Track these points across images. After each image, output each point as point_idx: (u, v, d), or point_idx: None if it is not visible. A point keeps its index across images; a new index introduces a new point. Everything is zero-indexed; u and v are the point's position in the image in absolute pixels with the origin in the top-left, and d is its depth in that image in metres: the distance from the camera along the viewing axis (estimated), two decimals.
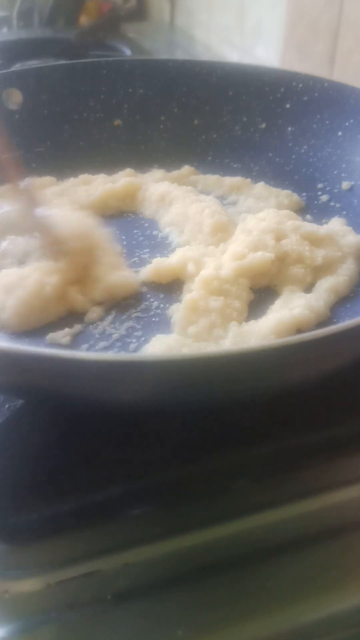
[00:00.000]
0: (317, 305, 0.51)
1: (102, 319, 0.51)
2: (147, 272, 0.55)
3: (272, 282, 0.54)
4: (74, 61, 0.77)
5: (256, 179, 0.70)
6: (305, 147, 0.72)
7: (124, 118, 0.76)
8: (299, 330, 0.49)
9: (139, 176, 0.70)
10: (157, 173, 0.71)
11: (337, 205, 0.66)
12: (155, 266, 0.55)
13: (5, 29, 1.36)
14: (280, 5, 0.99)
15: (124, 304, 0.52)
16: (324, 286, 0.54)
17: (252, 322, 0.50)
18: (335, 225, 0.62)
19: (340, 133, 0.69)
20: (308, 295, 0.53)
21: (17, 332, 0.49)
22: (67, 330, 0.49)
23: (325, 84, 0.70)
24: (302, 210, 0.66)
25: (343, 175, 0.68)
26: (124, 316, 0.51)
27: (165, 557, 0.36)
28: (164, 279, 0.55)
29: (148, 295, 0.53)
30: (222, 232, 0.58)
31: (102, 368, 0.32)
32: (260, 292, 0.53)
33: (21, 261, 0.54)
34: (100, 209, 0.65)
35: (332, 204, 0.67)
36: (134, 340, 0.48)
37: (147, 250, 0.59)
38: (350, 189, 0.67)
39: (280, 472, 0.42)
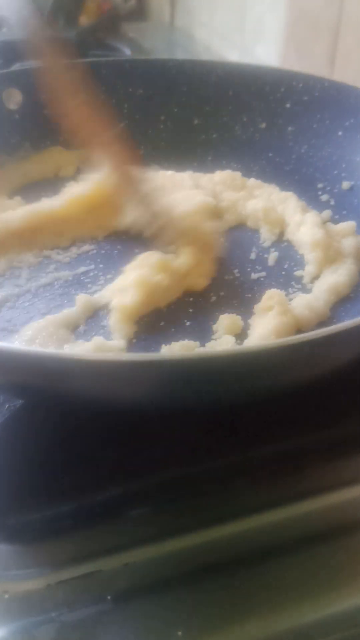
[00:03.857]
0: (317, 305, 0.51)
1: None
2: None
3: None
4: (74, 61, 0.77)
5: (256, 179, 0.71)
6: (306, 146, 0.72)
7: (124, 118, 0.76)
8: (299, 330, 0.49)
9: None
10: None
11: (337, 205, 0.66)
12: None
13: (5, 29, 1.36)
14: (280, 5, 0.99)
15: None
16: (324, 286, 0.54)
17: (252, 323, 0.50)
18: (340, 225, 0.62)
19: (340, 133, 0.69)
20: (308, 295, 0.53)
21: None
22: None
23: (326, 84, 0.70)
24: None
25: (343, 175, 0.68)
26: None
27: (165, 557, 0.36)
28: None
29: None
30: None
31: (102, 368, 0.32)
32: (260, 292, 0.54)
33: None
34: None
35: (332, 203, 0.67)
36: None
37: None
38: (350, 189, 0.67)
39: (280, 473, 0.42)
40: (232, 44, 1.20)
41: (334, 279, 0.54)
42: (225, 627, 0.33)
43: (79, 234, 0.60)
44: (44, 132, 0.72)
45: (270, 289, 0.53)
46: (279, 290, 0.52)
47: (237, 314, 0.51)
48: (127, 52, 1.20)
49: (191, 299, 0.54)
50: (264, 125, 0.74)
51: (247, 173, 0.72)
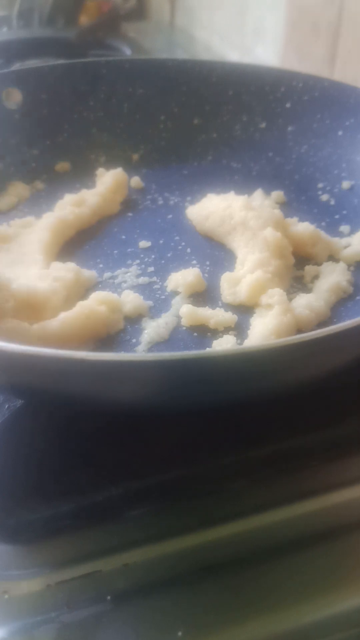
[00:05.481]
0: (318, 305, 0.51)
1: None
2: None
3: None
4: (74, 61, 0.77)
5: (256, 179, 0.71)
6: (306, 146, 0.72)
7: (123, 118, 0.76)
8: (299, 330, 0.48)
9: None
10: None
11: (337, 205, 0.66)
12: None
13: (5, 29, 1.36)
14: (280, 5, 0.99)
15: None
16: (325, 286, 0.54)
17: (252, 322, 0.50)
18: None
19: (340, 132, 0.69)
20: (308, 295, 0.53)
21: None
22: None
23: (326, 84, 0.70)
24: (301, 210, 0.66)
25: (343, 174, 0.68)
26: None
27: (165, 557, 0.36)
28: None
29: None
30: None
31: (102, 368, 0.32)
32: None
33: None
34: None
35: (332, 203, 0.67)
36: None
37: None
38: (351, 189, 0.67)
39: (280, 473, 0.42)
40: (232, 44, 1.20)
41: (334, 278, 0.54)
42: (225, 627, 0.33)
43: None
44: (44, 132, 0.72)
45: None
46: (279, 290, 0.52)
47: (237, 314, 0.51)
48: (127, 52, 1.20)
49: (191, 299, 0.54)
50: (264, 124, 0.74)
51: (247, 173, 0.72)
